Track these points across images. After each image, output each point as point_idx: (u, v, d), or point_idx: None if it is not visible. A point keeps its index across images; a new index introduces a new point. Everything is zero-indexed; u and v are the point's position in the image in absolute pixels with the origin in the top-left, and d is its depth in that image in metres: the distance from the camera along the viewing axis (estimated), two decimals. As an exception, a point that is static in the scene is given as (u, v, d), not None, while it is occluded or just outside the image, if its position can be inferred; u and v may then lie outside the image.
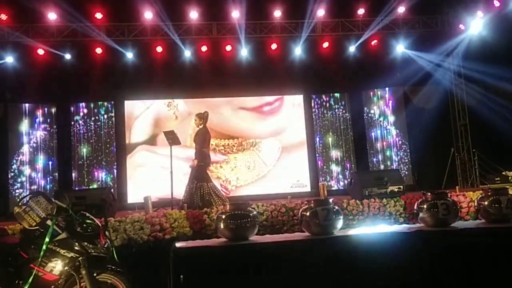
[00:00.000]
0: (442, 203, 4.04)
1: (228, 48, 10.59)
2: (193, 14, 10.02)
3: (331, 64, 10.87)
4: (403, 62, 11.00)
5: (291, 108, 11.44)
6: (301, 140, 11.33)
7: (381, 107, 11.62)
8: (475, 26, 10.13)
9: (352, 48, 10.88)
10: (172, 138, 7.60)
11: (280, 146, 11.15)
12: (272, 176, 11.05)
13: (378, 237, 4.00)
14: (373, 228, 4.91)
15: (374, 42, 10.88)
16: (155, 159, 10.52)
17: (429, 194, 4.17)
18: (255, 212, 4.03)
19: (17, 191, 10.17)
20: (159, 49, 10.34)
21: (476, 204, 4.51)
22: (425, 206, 4.10)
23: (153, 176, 10.33)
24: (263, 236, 4.17)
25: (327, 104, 11.65)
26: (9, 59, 9.89)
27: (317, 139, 11.51)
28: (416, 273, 3.66)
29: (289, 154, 11.17)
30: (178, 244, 3.79)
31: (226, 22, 10.35)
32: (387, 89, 11.60)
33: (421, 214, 4.14)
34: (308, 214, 3.87)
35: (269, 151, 11.13)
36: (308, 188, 10.98)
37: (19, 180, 10.28)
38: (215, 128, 10.29)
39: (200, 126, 7.69)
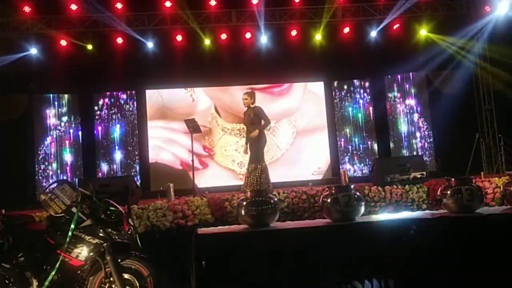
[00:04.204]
0: (467, 188, 3.96)
1: (248, 35, 10.54)
2: (212, 2, 9.99)
3: (352, 49, 10.67)
4: (426, 46, 10.74)
5: (302, 90, 11.34)
6: (316, 125, 11.22)
7: (404, 92, 11.42)
8: (501, 7, 9.82)
9: (373, 33, 10.70)
10: (193, 126, 7.64)
11: (294, 131, 11.07)
12: (286, 160, 10.98)
13: (400, 223, 3.95)
14: (395, 214, 4.86)
15: (396, 26, 10.66)
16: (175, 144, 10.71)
17: (453, 179, 4.09)
18: (276, 199, 4.04)
19: (43, 180, 10.41)
20: (179, 38, 10.36)
21: (501, 189, 4.43)
22: (448, 192, 4.03)
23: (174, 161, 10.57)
24: (284, 222, 4.18)
25: (348, 90, 11.52)
26: (33, 51, 10.05)
27: (338, 125, 11.42)
28: (439, 260, 3.61)
29: (304, 139, 11.09)
30: (200, 230, 3.83)
31: (246, 9, 10.28)
32: (410, 74, 11.38)
33: (444, 200, 4.07)
34: (329, 200, 3.86)
35: (283, 135, 11.06)
36: (329, 175, 10.94)
37: (44, 169, 10.52)
38: (230, 110, 10.30)
39: (252, 105, 7.06)
